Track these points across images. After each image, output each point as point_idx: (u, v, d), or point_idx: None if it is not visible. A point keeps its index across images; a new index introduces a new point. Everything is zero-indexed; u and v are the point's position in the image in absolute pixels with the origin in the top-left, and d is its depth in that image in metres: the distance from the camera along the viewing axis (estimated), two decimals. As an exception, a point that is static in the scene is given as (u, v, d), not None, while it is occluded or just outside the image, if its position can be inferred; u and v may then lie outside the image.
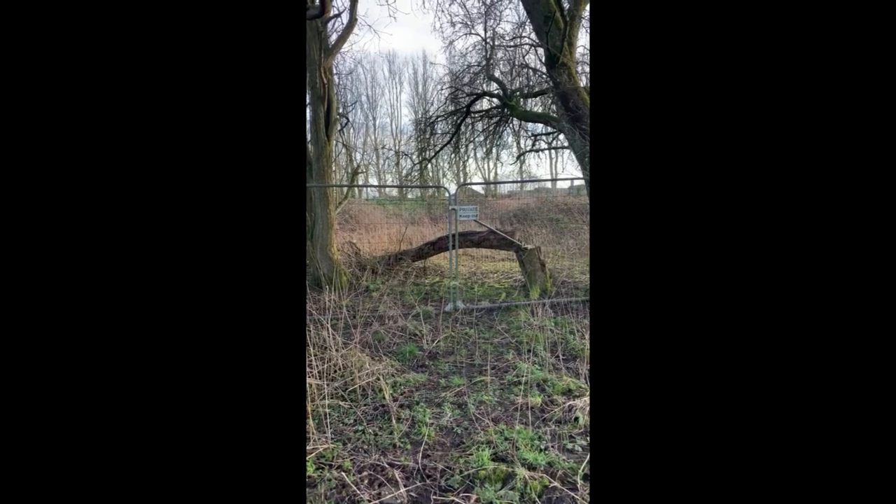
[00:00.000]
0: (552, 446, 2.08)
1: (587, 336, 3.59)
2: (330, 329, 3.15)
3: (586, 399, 2.49)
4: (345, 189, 8.79)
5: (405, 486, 1.83)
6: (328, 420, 2.36)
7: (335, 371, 2.91)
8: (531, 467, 1.91)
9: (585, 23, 6.01)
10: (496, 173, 20.74)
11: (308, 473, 1.92)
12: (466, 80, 9.53)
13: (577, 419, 2.32)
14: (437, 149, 10.52)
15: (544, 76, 7.82)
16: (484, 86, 9.38)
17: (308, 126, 6.32)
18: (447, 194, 5.72)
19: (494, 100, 8.98)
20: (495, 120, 9.28)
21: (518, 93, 8.69)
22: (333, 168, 7.54)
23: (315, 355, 2.95)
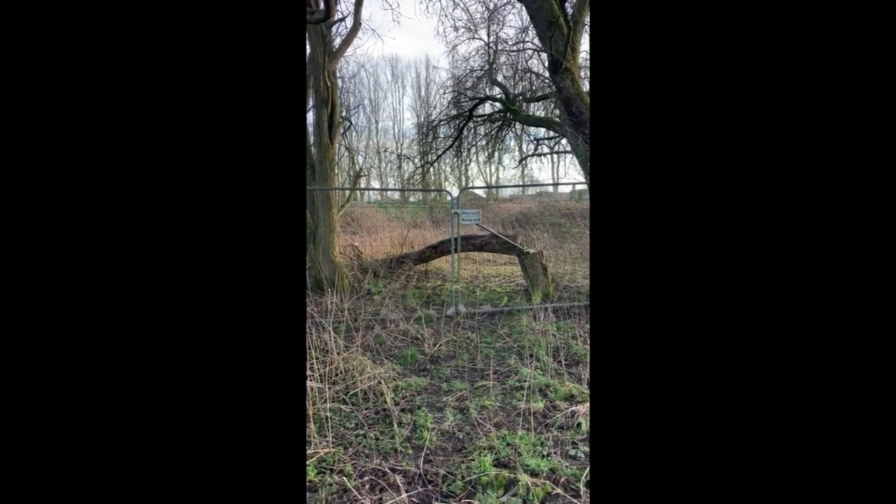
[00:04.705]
0: (555, 452, 2.06)
1: (589, 341, 3.57)
2: (331, 332, 3.14)
3: (589, 405, 2.47)
4: (347, 192, 8.80)
5: (406, 491, 1.82)
6: (329, 424, 2.34)
7: (336, 374, 2.90)
8: (533, 473, 1.90)
9: (588, 28, 6.03)
10: (498, 177, 20.77)
11: (309, 478, 1.90)
12: (469, 84, 9.55)
13: (579, 425, 2.30)
14: (440, 152, 10.54)
15: (547, 81, 7.84)
16: (486, 90, 9.40)
17: (311, 129, 6.34)
18: (449, 198, 5.72)
19: (497, 104, 9.01)
20: (498, 124, 9.30)
21: (521, 97, 8.71)
22: (336, 171, 7.56)
23: (316, 358, 2.94)
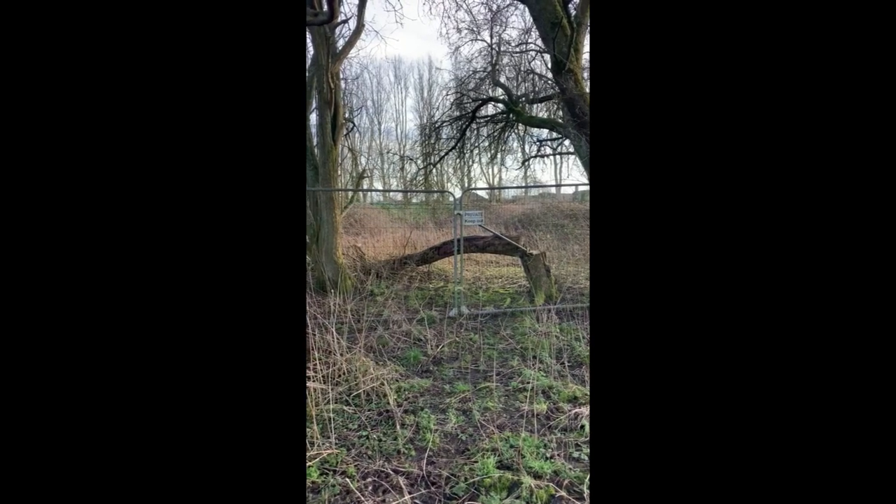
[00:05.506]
0: (558, 454, 2.05)
1: (589, 343, 3.56)
2: (334, 333, 3.14)
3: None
4: (350, 193, 8.82)
5: (409, 493, 1.82)
6: (332, 425, 2.34)
7: (339, 375, 2.90)
8: (537, 476, 1.89)
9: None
10: (501, 179, 20.77)
11: (312, 479, 1.90)
12: (472, 85, 9.57)
13: (583, 427, 2.29)
14: (442, 154, 10.55)
15: (550, 82, 7.84)
16: (489, 91, 9.41)
17: (315, 131, 6.36)
18: (452, 199, 5.73)
19: (500, 105, 9.01)
20: (500, 125, 9.30)
21: (523, 98, 8.71)
22: (339, 172, 7.57)
23: (319, 359, 2.94)
